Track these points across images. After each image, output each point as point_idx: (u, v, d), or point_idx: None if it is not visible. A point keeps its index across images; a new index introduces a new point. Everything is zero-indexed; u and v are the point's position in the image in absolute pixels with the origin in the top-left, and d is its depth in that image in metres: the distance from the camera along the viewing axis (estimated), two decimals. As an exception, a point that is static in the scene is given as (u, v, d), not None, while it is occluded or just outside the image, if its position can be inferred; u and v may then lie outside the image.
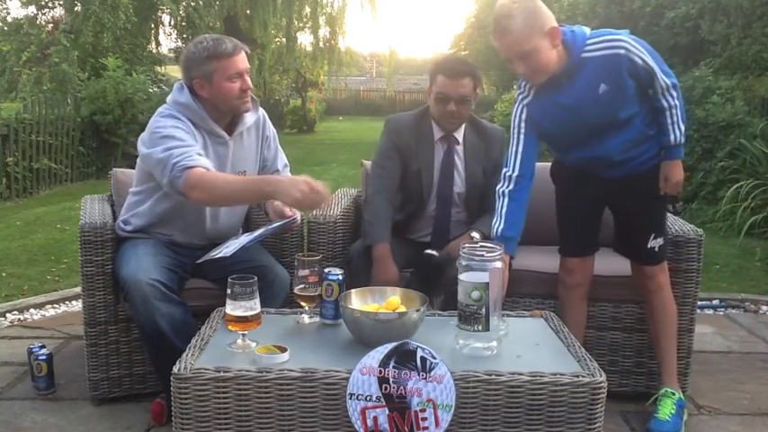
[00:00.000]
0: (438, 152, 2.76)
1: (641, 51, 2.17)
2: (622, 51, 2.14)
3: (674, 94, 2.24)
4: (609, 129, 2.26)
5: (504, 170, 2.36)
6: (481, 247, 1.86)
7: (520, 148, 2.33)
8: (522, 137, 2.33)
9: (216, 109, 2.39)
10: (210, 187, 2.17)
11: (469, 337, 1.83)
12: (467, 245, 1.88)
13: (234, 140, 2.46)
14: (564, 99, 2.23)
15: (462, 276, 1.82)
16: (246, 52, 2.41)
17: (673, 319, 2.48)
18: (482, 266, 1.81)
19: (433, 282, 2.45)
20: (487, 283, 1.79)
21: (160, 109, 2.40)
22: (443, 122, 2.72)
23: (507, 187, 2.33)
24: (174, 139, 2.25)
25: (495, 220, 2.33)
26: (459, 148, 2.77)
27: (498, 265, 1.83)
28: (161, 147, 2.24)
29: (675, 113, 2.25)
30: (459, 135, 2.77)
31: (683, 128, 2.28)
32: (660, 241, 2.41)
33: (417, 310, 1.88)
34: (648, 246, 2.40)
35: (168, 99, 2.42)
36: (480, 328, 1.80)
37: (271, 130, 2.62)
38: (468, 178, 2.76)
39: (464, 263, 1.83)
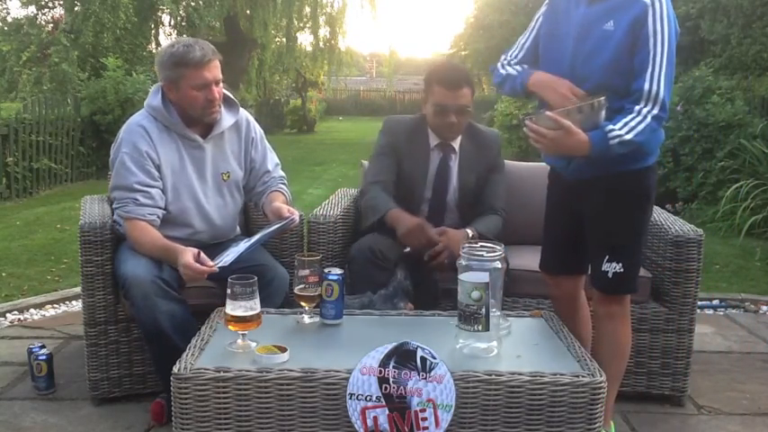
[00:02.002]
0: (433, 160, 2.73)
1: (663, 25, 1.92)
2: (648, 1, 1.93)
3: (652, 107, 1.93)
4: (576, 86, 2.04)
5: (503, 56, 2.27)
6: (481, 247, 1.86)
7: (527, 44, 2.23)
8: (534, 32, 2.23)
9: (185, 113, 2.40)
10: (134, 243, 2.36)
11: (469, 337, 1.83)
12: (467, 245, 1.88)
13: (211, 143, 2.47)
14: (578, 11, 2.06)
15: (462, 276, 1.82)
16: (219, 59, 2.38)
17: (620, 357, 2.23)
18: (482, 266, 1.81)
19: (423, 276, 2.42)
20: (487, 283, 1.79)
21: (135, 115, 2.45)
22: (442, 133, 2.69)
23: (509, 63, 2.25)
24: (124, 174, 2.35)
25: (509, 74, 2.23)
26: (455, 156, 2.75)
27: (498, 265, 1.83)
28: (114, 178, 2.41)
29: (639, 122, 1.93)
30: (456, 143, 2.74)
31: (629, 137, 1.92)
32: (617, 268, 2.12)
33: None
34: (602, 268, 2.14)
35: (145, 102, 2.45)
36: (480, 328, 1.80)
37: (257, 131, 2.61)
38: (461, 187, 2.74)
39: (464, 263, 1.83)
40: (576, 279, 2.35)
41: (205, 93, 2.34)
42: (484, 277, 1.79)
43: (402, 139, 2.74)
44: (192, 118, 2.41)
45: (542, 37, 2.19)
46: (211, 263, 2.20)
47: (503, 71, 2.25)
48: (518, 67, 2.22)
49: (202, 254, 2.22)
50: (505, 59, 2.27)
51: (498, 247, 1.86)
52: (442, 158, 2.74)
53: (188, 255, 2.19)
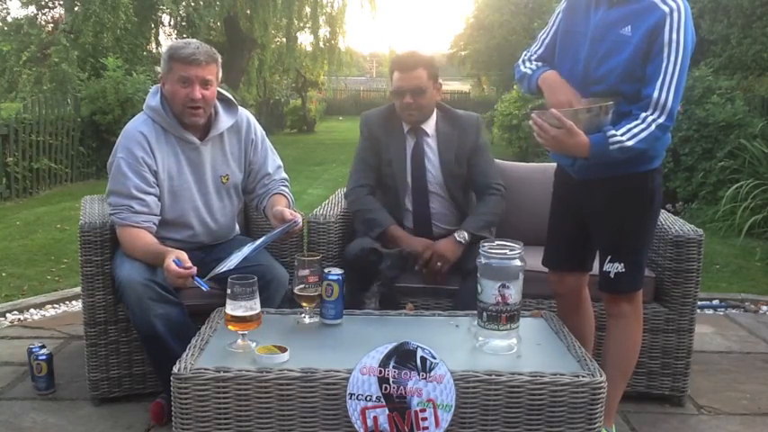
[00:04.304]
0: (408, 145, 2.77)
1: (680, 35, 1.92)
2: (666, 10, 1.93)
3: (658, 116, 1.93)
4: (589, 87, 2.06)
5: (525, 52, 2.29)
6: (503, 246, 1.88)
7: (547, 39, 2.23)
8: (553, 27, 2.22)
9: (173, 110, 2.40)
10: (127, 249, 2.36)
11: (489, 336, 1.85)
12: (485, 244, 1.90)
13: (208, 145, 2.46)
14: (598, 13, 2.06)
15: (488, 276, 1.83)
16: (214, 65, 2.37)
17: (628, 356, 2.25)
18: (508, 265, 1.84)
19: (368, 279, 2.44)
20: (513, 282, 1.83)
21: (134, 119, 2.45)
22: (404, 116, 2.73)
23: (529, 59, 2.25)
24: (120, 180, 2.35)
25: (526, 71, 2.24)
26: (431, 140, 2.76)
27: (518, 263, 1.86)
28: (110, 183, 2.40)
29: (642, 129, 1.94)
30: (430, 127, 2.77)
31: (629, 144, 1.93)
32: (619, 268, 2.14)
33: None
34: (604, 268, 2.18)
35: (144, 103, 2.45)
36: (509, 326, 1.84)
37: (258, 132, 2.58)
38: (442, 168, 2.75)
39: (489, 262, 1.85)
40: (580, 276, 2.35)
41: (186, 89, 2.32)
42: (510, 276, 1.83)
43: (377, 128, 2.80)
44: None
45: (560, 34, 2.19)
46: (190, 265, 2.17)
47: (523, 68, 2.25)
48: (536, 64, 2.22)
49: (185, 256, 2.20)
50: (526, 55, 2.28)
51: (517, 246, 1.88)
52: (416, 142, 2.76)
53: (170, 258, 2.18)
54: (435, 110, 2.78)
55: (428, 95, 2.69)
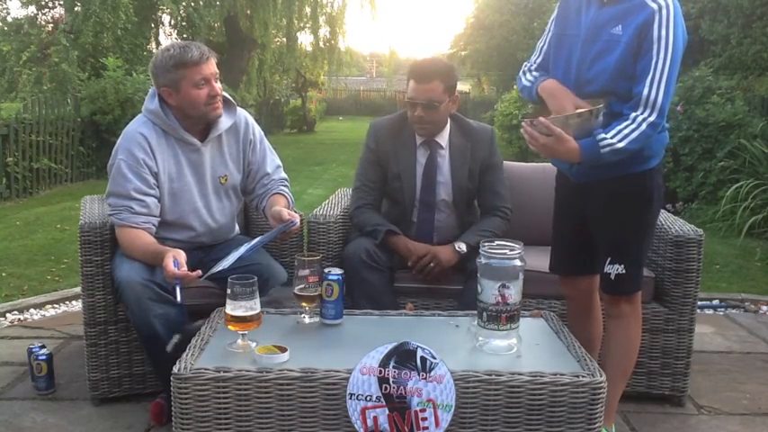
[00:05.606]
0: (420, 157, 2.69)
1: (669, 32, 1.91)
2: (655, 7, 1.93)
3: (648, 115, 1.93)
4: (582, 88, 2.06)
5: (525, 63, 2.28)
6: (503, 246, 1.88)
7: (545, 47, 2.22)
8: (549, 34, 2.22)
9: (186, 116, 2.39)
10: (126, 249, 2.36)
11: (489, 336, 1.85)
12: (486, 244, 1.90)
13: (208, 146, 2.46)
14: (589, 14, 2.06)
15: (488, 276, 1.83)
16: (215, 58, 2.39)
17: (629, 356, 2.25)
18: (507, 265, 1.83)
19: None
20: (513, 282, 1.82)
21: (133, 121, 2.44)
22: (414, 128, 2.65)
23: (530, 69, 2.25)
24: (120, 181, 2.35)
25: (526, 83, 2.24)
26: (444, 152, 2.69)
27: (518, 263, 1.86)
28: (110, 184, 2.39)
29: (632, 130, 1.93)
30: (443, 139, 2.69)
31: (621, 145, 1.92)
32: (619, 269, 2.13)
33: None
34: (604, 270, 2.17)
35: (143, 106, 2.44)
36: (509, 326, 1.84)
37: (256, 133, 2.58)
38: (453, 182, 2.69)
39: (489, 262, 1.85)
40: (590, 278, 2.33)
41: (207, 89, 2.34)
42: (511, 276, 1.83)
43: (386, 139, 2.71)
44: (191, 120, 2.40)
45: (552, 38, 2.19)
46: (186, 269, 2.15)
47: (524, 80, 2.25)
48: (535, 74, 2.22)
49: (183, 257, 2.19)
50: (527, 66, 2.28)
51: (517, 246, 1.88)
52: (429, 155, 2.69)
53: (168, 258, 2.17)
54: (449, 120, 2.70)
55: (441, 109, 2.58)
